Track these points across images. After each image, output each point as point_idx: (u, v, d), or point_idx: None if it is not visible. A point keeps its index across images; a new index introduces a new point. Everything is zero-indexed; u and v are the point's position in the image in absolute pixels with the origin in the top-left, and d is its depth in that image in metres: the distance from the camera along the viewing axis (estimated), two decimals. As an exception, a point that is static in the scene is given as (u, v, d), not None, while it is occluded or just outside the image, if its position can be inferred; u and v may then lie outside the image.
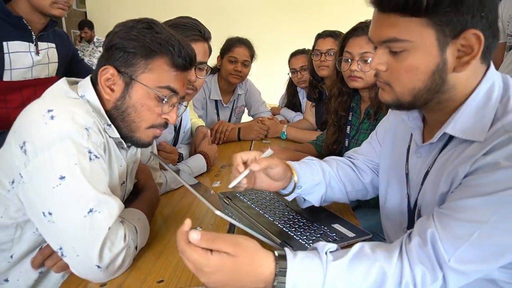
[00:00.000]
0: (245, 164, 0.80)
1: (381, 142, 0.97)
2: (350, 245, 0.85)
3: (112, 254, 0.71)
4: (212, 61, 2.14)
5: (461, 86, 0.68)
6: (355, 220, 1.01)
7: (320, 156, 1.63)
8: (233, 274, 0.59)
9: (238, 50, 2.05)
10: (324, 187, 0.94)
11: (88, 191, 0.70)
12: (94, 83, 0.82)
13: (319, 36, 1.97)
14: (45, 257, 0.80)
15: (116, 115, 0.82)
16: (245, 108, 2.40)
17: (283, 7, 4.01)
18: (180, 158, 1.40)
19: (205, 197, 0.74)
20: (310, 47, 2.05)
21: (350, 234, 0.89)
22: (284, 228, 0.91)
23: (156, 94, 0.80)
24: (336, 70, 1.46)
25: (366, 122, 1.42)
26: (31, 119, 0.72)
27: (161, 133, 0.87)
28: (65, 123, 0.70)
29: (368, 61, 1.33)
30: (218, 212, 0.66)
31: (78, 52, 2.11)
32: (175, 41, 0.81)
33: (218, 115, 2.19)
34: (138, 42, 0.78)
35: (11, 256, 0.80)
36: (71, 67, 1.65)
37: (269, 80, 2.95)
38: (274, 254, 0.61)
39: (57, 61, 1.55)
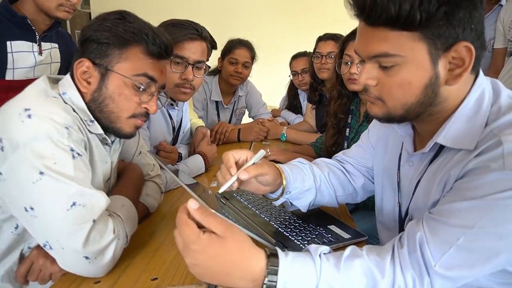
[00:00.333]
0: (237, 163, 0.79)
1: (374, 146, 0.96)
2: (345, 246, 0.86)
3: (101, 246, 0.71)
4: (214, 63, 2.15)
5: (452, 98, 0.67)
6: (352, 222, 1.01)
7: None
8: (220, 259, 0.58)
9: (239, 51, 2.06)
10: (314, 193, 0.93)
11: (70, 186, 0.70)
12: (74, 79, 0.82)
13: (320, 39, 1.98)
14: (27, 271, 0.79)
15: (94, 107, 0.82)
16: (246, 110, 2.41)
17: (285, 10, 4.01)
18: (180, 158, 1.41)
19: (202, 198, 0.75)
20: (311, 50, 2.06)
21: (346, 236, 0.90)
22: (279, 229, 0.91)
23: (132, 82, 0.81)
24: (336, 73, 1.46)
25: (365, 125, 1.43)
26: (8, 117, 0.72)
27: (143, 123, 0.87)
28: (44, 122, 0.71)
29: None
30: (213, 212, 0.66)
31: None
32: (149, 30, 0.82)
33: (218, 116, 2.20)
34: (111, 32, 0.79)
35: None
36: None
37: (270, 82, 2.95)
38: (265, 251, 0.61)
39: (59, 61, 1.57)
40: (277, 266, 0.59)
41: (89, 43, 0.81)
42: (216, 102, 2.18)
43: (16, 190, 0.70)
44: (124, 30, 0.80)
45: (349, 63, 1.38)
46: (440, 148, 0.71)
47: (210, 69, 2.19)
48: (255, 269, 0.59)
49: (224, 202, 1.06)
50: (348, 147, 1.50)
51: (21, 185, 0.70)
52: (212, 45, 1.92)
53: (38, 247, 0.79)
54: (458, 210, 0.60)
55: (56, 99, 0.79)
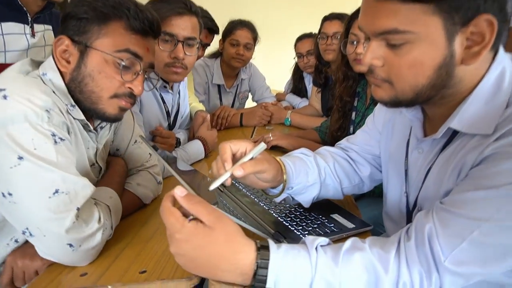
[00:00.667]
0: (234, 156, 0.72)
1: (380, 131, 0.89)
2: (348, 237, 0.81)
3: (86, 234, 0.68)
4: (215, 45, 2.08)
5: (468, 78, 0.60)
6: (357, 211, 0.96)
7: (324, 143, 1.59)
8: (206, 250, 0.53)
9: (240, 32, 1.98)
10: (318, 188, 0.86)
11: (53, 173, 0.67)
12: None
13: (326, 19, 1.90)
14: (10, 278, 0.77)
15: (73, 87, 0.78)
16: (249, 94, 2.34)
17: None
18: (178, 143, 1.36)
19: (202, 185, 0.70)
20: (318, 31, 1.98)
21: (350, 225, 0.84)
22: (279, 218, 0.86)
23: (114, 59, 0.76)
24: (341, 54, 1.39)
25: (372, 108, 1.34)
26: None
27: (128, 105, 0.81)
28: (20, 104, 0.66)
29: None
30: (202, 199, 0.61)
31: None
32: (131, 4, 0.77)
33: (220, 100, 2.14)
34: (90, 7, 0.75)
35: None
36: None
37: (274, 65, 2.87)
38: (256, 243, 0.56)
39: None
40: (268, 259, 0.54)
41: (69, 20, 0.76)
42: (218, 85, 2.11)
43: None
44: (103, 4, 0.75)
45: (355, 42, 1.30)
46: (454, 134, 0.64)
47: (212, 52, 2.13)
48: (244, 262, 0.54)
49: (222, 189, 1.01)
50: (354, 131, 1.44)
51: None
52: (213, 28, 1.85)
53: (11, 253, 0.77)
54: (472, 200, 0.54)
55: (34, 79, 0.75)
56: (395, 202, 0.80)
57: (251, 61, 2.17)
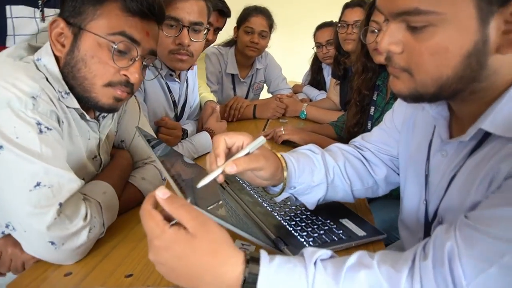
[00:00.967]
0: (230, 150, 0.66)
1: (399, 129, 0.80)
2: (357, 246, 0.74)
3: (69, 232, 0.64)
4: (230, 33, 2.01)
5: (504, 70, 0.51)
6: (370, 216, 0.88)
7: (340, 139, 1.50)
8: (187, 260, 0.47)
9: (255, 19, 1.90)
10: (325, 189, 0.78)
11: (35, 164, 0.62)
12: None
13: (347, 6, 1.80)
14: None
15: (67, 73, 0.73)
16: (264, 84, 2.26)
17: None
18: (185, 134, 1.30)
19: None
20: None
21: (360, 233, 0.76)
22: (282, 221, 0.79)
23: (108, 43, 0.70)
24: (361, 43, 1.29)
25: (393, 103, 1.26)
26: None
27: (124, 94, 0.75)
28: (4, 89, 0.63)
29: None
30: (188, 202, 0.55)
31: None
32: None
33: (234, 90, 2.07)
34: None
35: None
36: None
37: (292, 55, 2.77)
38: (245, 254, 0.49)
39: None
40: (257, 274, 0.47)
41: (66, 2, 0.72)
42: (232, 75, 2.05)
43: None
44: None
45: (376, 31, 1.20)
46: (485, 136, 0.55)
47: (227, 40, 2.06)
48: (230, 276, 0.47)
49: (224, 186, 0.95)
50: (372, 128, 1.35)
51: None
52: (223, 10, 1.76)
53: (5, 236, 0.73)
54: (505, 218, 0.45)
55: (26, 65, 0.70)
56: (413, 210, 0.71)
57: (267, 50, 2.08)
